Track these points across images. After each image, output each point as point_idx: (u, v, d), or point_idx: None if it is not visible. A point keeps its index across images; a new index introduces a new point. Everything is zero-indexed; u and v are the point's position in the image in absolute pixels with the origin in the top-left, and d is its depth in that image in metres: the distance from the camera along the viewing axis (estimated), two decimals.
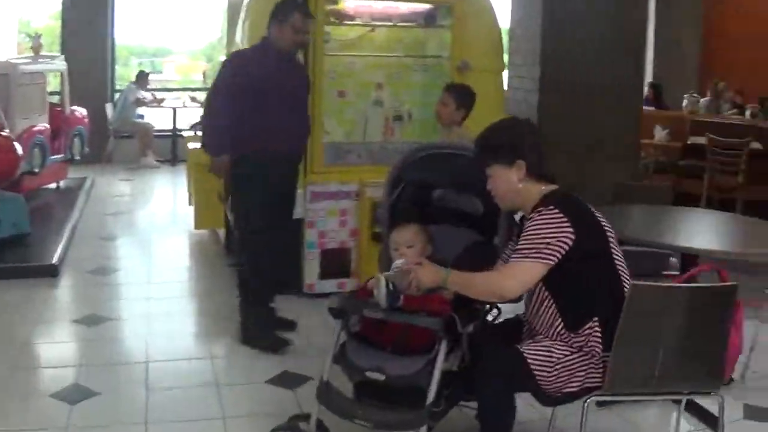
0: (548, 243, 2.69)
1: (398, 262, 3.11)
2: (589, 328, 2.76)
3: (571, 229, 2.69)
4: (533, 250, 2.70)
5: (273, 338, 4.47)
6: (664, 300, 2.69)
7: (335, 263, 5.31)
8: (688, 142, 8.49)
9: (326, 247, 5.22)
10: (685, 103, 9.58)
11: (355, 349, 3.02)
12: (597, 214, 2.80)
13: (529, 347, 2.81)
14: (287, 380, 4.10)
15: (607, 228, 2.80)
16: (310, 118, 4.58)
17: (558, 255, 2.69)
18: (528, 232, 2.74)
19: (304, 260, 5.24)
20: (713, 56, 11.48)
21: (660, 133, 8.50)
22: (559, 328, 2.80)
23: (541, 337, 2.85)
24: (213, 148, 4.40)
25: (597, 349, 2.75)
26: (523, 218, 3.00)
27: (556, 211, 2.72)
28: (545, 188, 2.87)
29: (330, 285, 5.27)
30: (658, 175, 8.03)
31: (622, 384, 2.72)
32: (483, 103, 5.16)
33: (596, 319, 2.76)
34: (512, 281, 2.73)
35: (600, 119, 6.41)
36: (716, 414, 2.98)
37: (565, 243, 2.69)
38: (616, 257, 2.81)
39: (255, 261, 4.48)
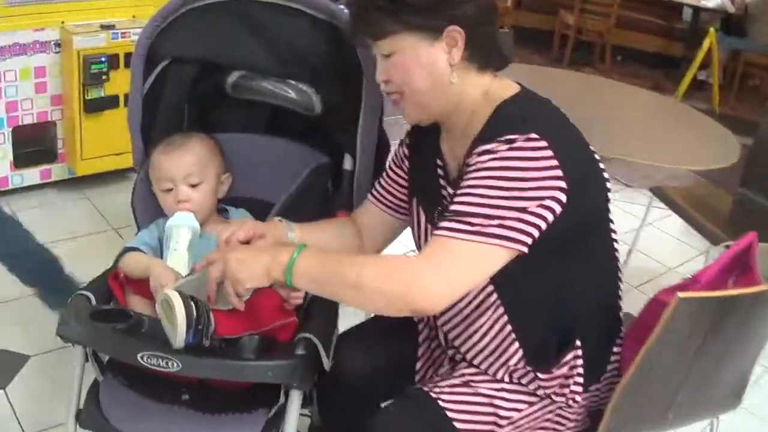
0: (524, 208, 1.38)
1: (181, 221, 1.72)
2: (571, 361, 1.56)
3: (563, 183, 1.39)
4: (494, 221, 1.37)
5: None
6: (716, 313, 1.53)
7: (35, 144, 3.80)
8: None
9: (20, 123, 3.64)
10: None
11: (117, 399, 1.63)
12: (588, 145, 1.54)
13: (452, 394, 1.56)
14: None
15: (606, 175, 1.55)
16: None
17: (538, 230, 1.39)
18: (482, 182, 1.39)
19: None
20: None
21: None
22: (515, 362, 1.58)
23: (473, 372, 1.61)
24: None
25: (576, 398, 1.58)
26: (415, 132, 1.72)
27: (543, 143, 1.39)
28: (496, 86, 1.54)
29: (30, 176, 3.74)
30: None
31: None
32: None
33: (580, 343, 1.56)
34: (444, 279, 1.37)
35: None
36: None
37: (551, 208, 1.39)
38: (612, 228, 1.60)
39: None
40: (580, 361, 1.55)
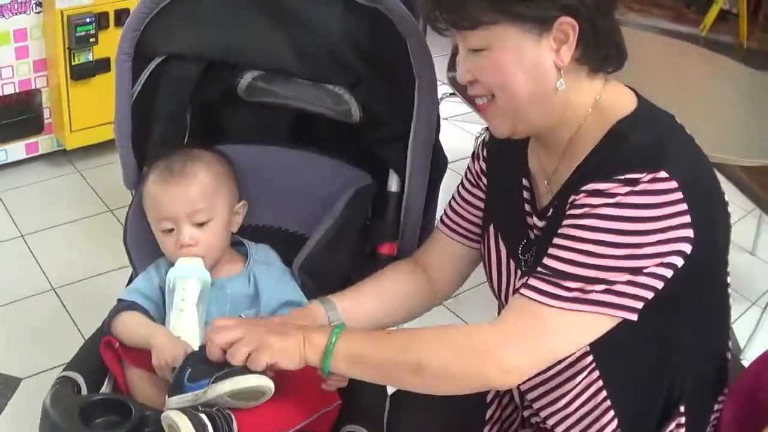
0: (639, 268, 1.10)
1: (186, 270, 1.39)
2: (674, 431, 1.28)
3: (690, 232, 1.11)
4: (599, 285, 1.11)
5: None
6: None
7: (18, 115, 3.43)
8: None
9: (1, 93, 3.29)
10: None
11: None
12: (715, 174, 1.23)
13: None
14: None
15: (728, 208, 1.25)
16: None
17: (653, 291, 1.12)
18: (589, 234, 1.12)
19: None
20: None
21: None
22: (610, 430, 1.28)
23: None
24: None
25: None
26: (486, 145, 1.44)
27: (672, 184, 1.10)
28: (609, 95, 1.23)
29: (16, 150, 3.41)
30: None
31: None
32: None
33: (684, 409, 1.27)
34: (530, 351, 1.14)
35: None
36: None
37: (672, 265, 1.12)
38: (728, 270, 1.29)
39: None
40: (682, 430, 1.28)
